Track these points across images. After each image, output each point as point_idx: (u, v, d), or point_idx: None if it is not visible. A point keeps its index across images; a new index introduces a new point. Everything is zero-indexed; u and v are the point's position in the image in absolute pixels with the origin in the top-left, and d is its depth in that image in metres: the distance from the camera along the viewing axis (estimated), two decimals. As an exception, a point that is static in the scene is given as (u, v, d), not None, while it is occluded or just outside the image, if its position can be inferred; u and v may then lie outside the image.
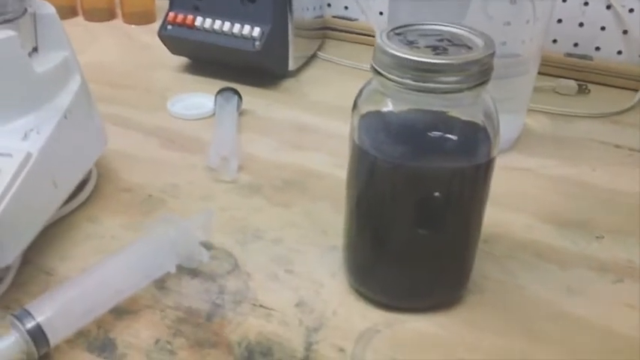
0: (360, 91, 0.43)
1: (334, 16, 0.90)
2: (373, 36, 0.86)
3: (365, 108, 0.42)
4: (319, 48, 0.85)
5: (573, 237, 0.53)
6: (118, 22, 0.93)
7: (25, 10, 0.48)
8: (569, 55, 0.81)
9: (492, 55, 0.39)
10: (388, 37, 0.41)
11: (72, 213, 0.52)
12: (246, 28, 0.71)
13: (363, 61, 0.81)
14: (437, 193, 0.41)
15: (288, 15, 0.73)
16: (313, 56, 0.83)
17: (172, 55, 0.79)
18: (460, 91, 0.39)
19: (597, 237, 0.53)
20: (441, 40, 0.41)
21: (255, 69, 0.75)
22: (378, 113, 0.42)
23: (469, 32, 0.41)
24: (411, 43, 0.40)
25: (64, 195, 0.49)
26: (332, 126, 0.68)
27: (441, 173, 0.41)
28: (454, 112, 0.41)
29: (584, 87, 0.77)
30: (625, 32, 0.80)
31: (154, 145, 0.63)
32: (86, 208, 0.53)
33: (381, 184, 0.43)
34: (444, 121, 0.41)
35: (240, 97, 0.68)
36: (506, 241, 0.52)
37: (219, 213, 0.53)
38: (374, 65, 0.41)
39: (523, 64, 0.60)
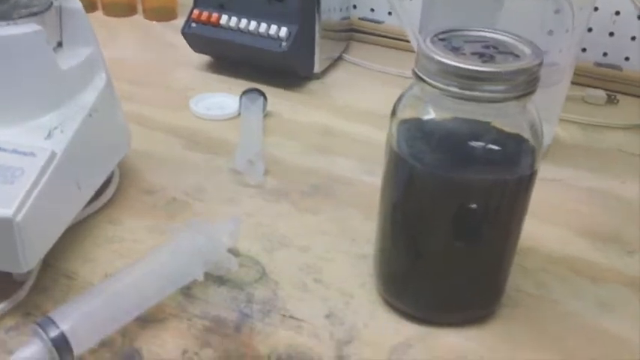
0: (400, 97, 0.42)
1: (360, 18, 0.88)
2: (399, 39, 0.85)
3: (404, 115, 0.41)
4: (345, 50, 0.84)
5: (606, 251, 0.51)
6: (139, 18, 0.92)
7: (51, 3, 0.46)
8: (599, 64, 0.79)
9: (540, 64, 0.37)
10: (432, 42, 0.39)
11: (93, 215, 0.51)
12: (273, 28, 0.70)
13: (389, 64, 0.80)
14: (474, 205, 0.40)
15: (315, 16, 0.71)
16: (339, 58, 0.82)
17: (194, 53, 0.77)
18: (506, 100, 0.37)
19: (629, 252, 0.51)
20: (487, 47, 0.39)
21: (280, 70, 0.74)
22: (419, 121, 0.41)
23: (516, 40, 0.40)
24: (456, 50, 0.39)
25: (87, 197, 0.47)
26: (359, 130, 0.66)
27: (482, 185, 0.39)
28: (497, 122, 0.39)
29: (612, 97, 0.76)
30: (656, 42, 0.78)
31: (178, 145, 0.62)
32: (108, 210, 0.52)
33: (419, 193, 0.41)
34: (486, 131, 0.39)
35: (265, 98, 0.66)
36: (540, 254, 0.50)
37: (245, 219, 0.51)
38: (416, 71, 0.39)
39: (559, 73, 0.58)
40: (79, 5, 0.48)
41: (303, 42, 0.71)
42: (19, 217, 0.38)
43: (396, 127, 0.41)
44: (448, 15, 0.58)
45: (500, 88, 0.37)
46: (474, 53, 0.38)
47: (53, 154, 0.42)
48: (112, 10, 0.91)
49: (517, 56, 0.38)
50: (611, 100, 0.75)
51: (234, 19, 0.71)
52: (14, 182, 0.40)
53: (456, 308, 0.44)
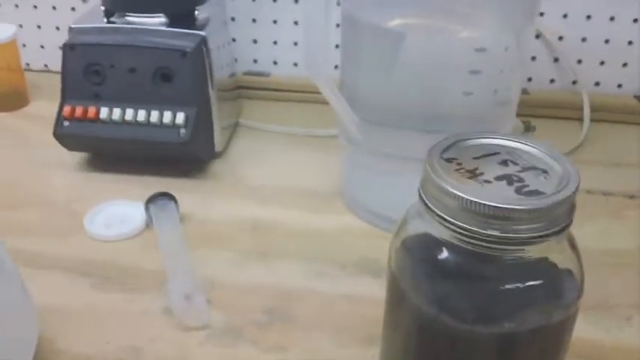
0: (400, 226, 0.34)
1: (245, 73, 0.79)
2: (289, 91, 0.76)
3: (408, 245, 0.34)
4: (238, 114, 0.74)
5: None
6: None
7: None
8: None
9: (579, 183, 0.31)
10: (443, 168, 0.31)
11: None
12: (167, 115, 0.58)
13: (291, 122, 0.72)
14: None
15: (209, 86, 0.61)
16: (236, 125, 0.72)
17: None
18: (548, 237, 0.30)
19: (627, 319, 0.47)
20: (505, 163, 0.33)
21: (176, 158, 0.63)
22: (433, 259, 0.33)
23: (525, 144, 0.34)
24: (473, 174, 0.32)
25: None
26: (285, 216, 0.58)
27: (529, 334, 0.32)
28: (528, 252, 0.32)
29: (528, 124, 0.73)
30: (556, 60, 0.76)
31: (85, 288, 0.49)
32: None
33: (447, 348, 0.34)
34: (518, 267, 0.32)
35: (176, 202, 0.55)
36: None
37: (204, 381, 0.42)
38: (430, 206, 0.31)
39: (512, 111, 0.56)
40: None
41: (203, 123, 0.61)
42: None
43: (398, 261, 0.34)
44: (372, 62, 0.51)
45: (540, 225, 0.30)
46: (498, 178, 0.32)
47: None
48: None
49: (545, 172, 0.32)
50: (528, 128, 0.72)
51: (116, 111, 0.59)
52: None
53: None
